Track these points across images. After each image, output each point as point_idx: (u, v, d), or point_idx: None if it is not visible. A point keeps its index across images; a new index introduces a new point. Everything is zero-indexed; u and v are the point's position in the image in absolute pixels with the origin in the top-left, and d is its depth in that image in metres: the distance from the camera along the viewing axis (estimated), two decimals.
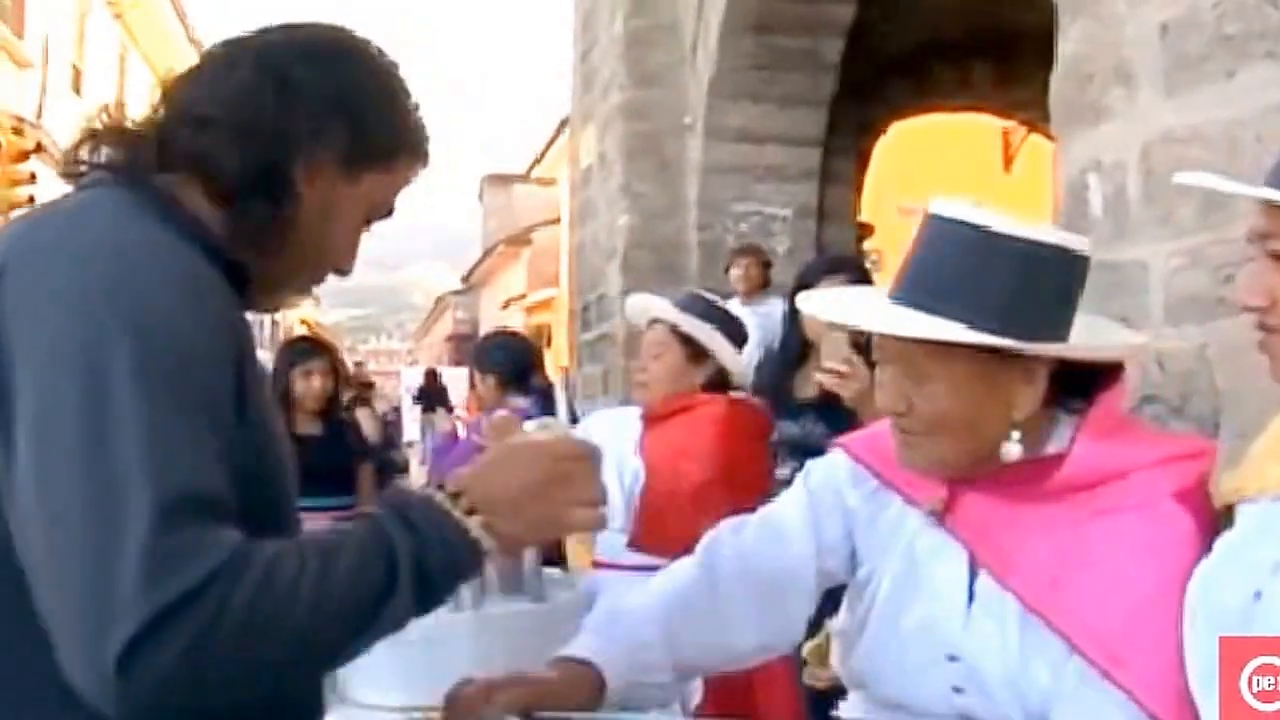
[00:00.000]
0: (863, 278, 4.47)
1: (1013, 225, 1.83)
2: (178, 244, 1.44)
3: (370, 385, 19.95)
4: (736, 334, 4.21)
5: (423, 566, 1.39)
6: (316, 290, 1.83)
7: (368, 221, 1.70)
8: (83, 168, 1.58)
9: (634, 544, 3.76)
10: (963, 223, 1.84)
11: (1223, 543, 1.67)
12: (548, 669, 1.94)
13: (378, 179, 1.66)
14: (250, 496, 1.42)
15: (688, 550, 2.24)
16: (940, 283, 1.83)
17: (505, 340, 6.40)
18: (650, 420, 4.05)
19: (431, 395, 20.29)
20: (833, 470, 2.19)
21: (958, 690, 1.88)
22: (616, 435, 4.11)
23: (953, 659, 1.89)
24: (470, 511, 1.45)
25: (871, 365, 2.14)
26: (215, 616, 1.23)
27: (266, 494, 1.51)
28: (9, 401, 1.30)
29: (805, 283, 4.41)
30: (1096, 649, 1.73)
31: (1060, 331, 1.86)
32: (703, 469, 3.79)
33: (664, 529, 3.67)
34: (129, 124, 1.60)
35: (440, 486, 1.47)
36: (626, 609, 2.14)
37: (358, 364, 24.61)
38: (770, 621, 2.14)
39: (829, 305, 2.13)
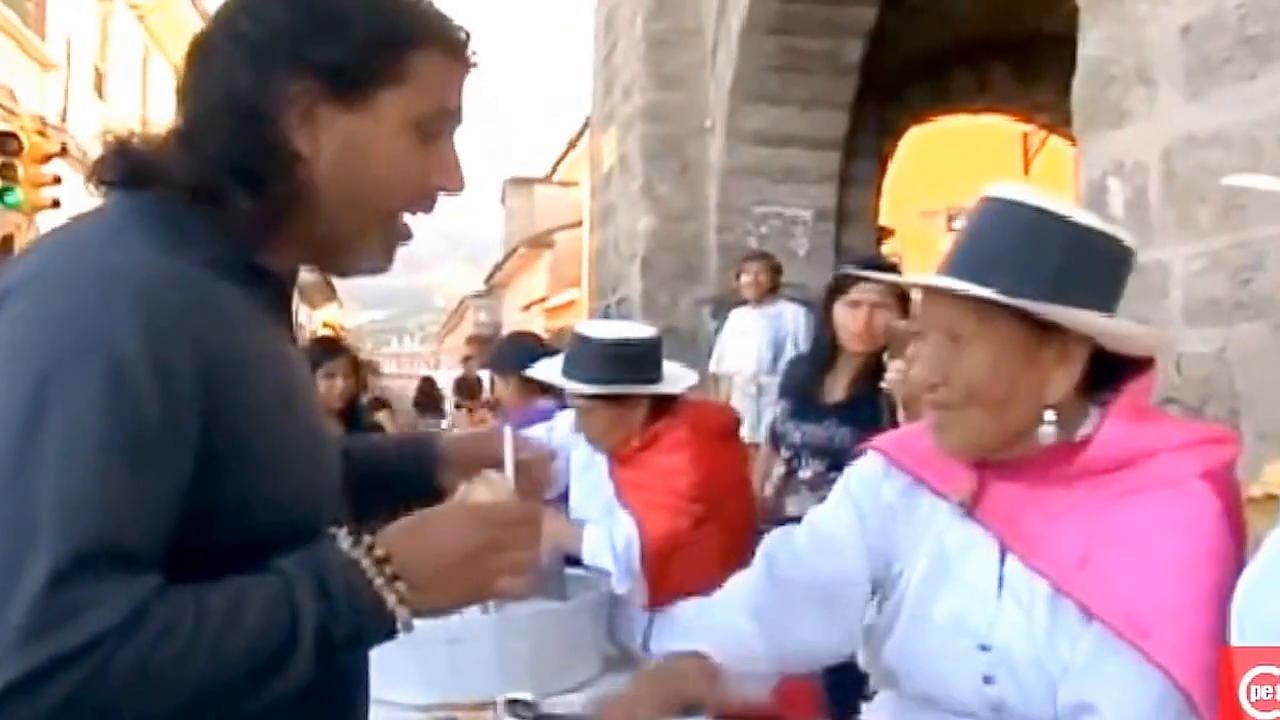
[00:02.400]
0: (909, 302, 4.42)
1: (1069, 209, 1.88)
2: (161, 262, 1.36)
3: (480, 386, 19.66)
4: (645, 357, 3.90)
5: (327, 635, 1.34)
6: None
7: (428, 138, 1.54)
8: (105, 180, 1.52)
9: (650, 607, 3.66)
10: (1019, 203, 1.88)
11: (1273, 544, 1.66)
12: (660, 670, 2.07)
13: (393, 95, 1.50)
14: (251, 521, 1.40)
15: (698, 590, 2.30)
16: (991, 257, 1.87)
17: (524, 342, 6.36)
18: (617, 460, 3.86)
19: (426, 402, 20.43)
20: (867, 471, 2.21)
21: (988, 680, 1.89)
22: (591, 483, 3.99)
23: (984, 648, 1.90)
24: (394, 578, 1.39)
25: None
26: (92, 678, 1.19)
27: (280, 514, 1.44)
28: None
29: (840, 286, 4.41)
30: (1124, 623, 1.75)
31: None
32: (690, 510, 3.67)
33: (672, 584, 3.57)
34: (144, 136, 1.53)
35: (370, 548, 1.39)
36: (710, 609, 2.22)
37: (467, 359, 23.49)
38: (835, 625, 2.17)
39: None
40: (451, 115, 1.57)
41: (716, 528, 3.64)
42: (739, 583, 2.24)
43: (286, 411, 1.50)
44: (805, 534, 2.24)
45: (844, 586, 2.15)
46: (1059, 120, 9.76)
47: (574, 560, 3.77)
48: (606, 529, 3.67)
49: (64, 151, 14.80)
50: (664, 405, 3.86)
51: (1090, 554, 1.82)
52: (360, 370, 5.77)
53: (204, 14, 22.13)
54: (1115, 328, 1.90)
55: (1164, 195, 3.43)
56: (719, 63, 10.60)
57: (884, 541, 2.15)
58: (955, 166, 16.32)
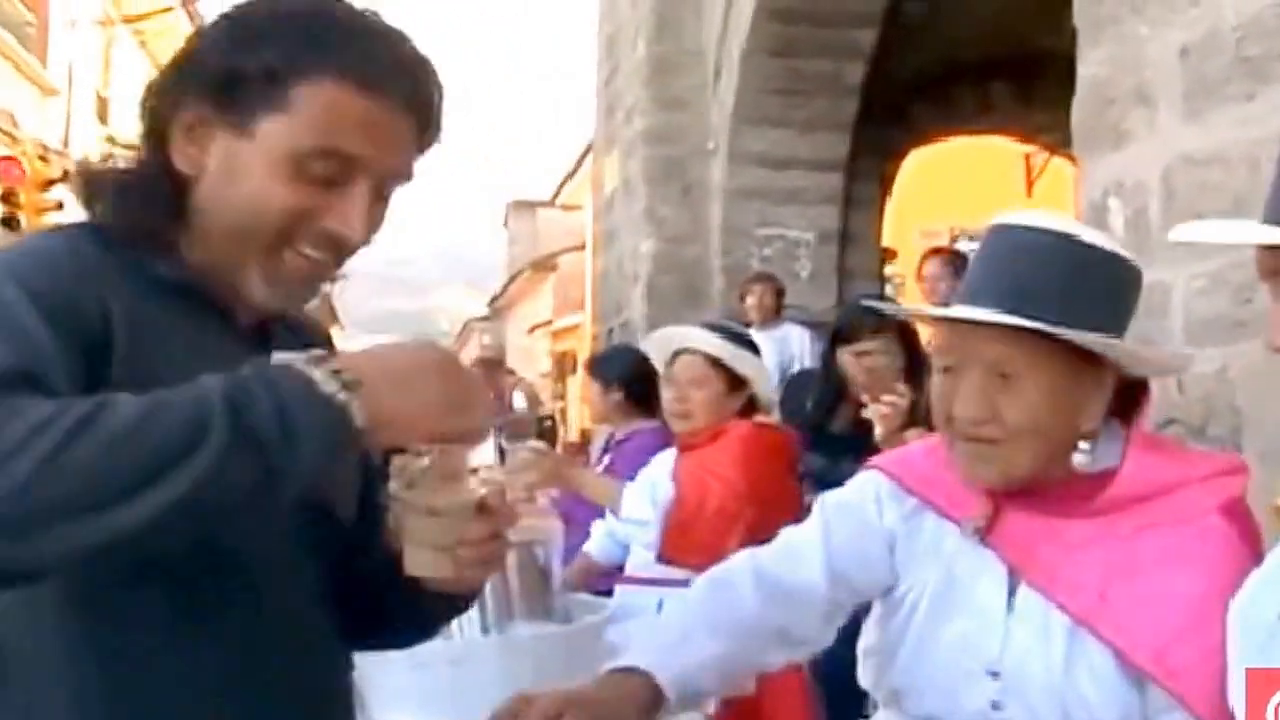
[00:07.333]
0: (909, 335, 4.44)
1: (1098, 237, 1.90)
2: (63, 243, 1.44)
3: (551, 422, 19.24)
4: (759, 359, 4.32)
5: (241, 411, 1.20)
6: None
7: (312, 176, 1.46)
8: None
9: (661, 558, 3.79)
10: (1043, 230, 1.88)
11: (1270, 557, 1.66)
12: (598, 685, 1.88)
13: (275, 122, 1.44)
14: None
15: (713, 563, 2.23)
16: (1027, 288, 1.85)
17: (627, 353, 5.75)
18: (685, 447, 4.11)
19: None
20: (864, 492, 2.16)
21: (996, 706, 1.89)
22: (656, 465, 4.16)
23: (993, 675, 1.90)
24: (323, 361, 1.26)
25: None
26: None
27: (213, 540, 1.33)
28: None
29: (845, 334, 4.46)
30: (1149, 659, 1.76)
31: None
32: (729, 485, 3.82)
33: (688, 542, 3.71)
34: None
35: (306, 348, 1.31)
36: (661, 618, 2.19)
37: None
38: (787, 633, 2.10)
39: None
40: (340, 158, 1.47)
41: (751, 510, 3.74)
42: (692, 590, 2.16)
43: None
44: (772, 545, 2.18)
45: (795, 597, 2.09)
46: (1061, 141, 9.77)
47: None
48: (649, 487, 3.80)
49: (65, 177, 14.84)
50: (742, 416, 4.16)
51: (1110, 587, 1.83)
52: None
53: None
54: (1154, 355, 1.93)
55: (1164, 215, 3.44)
56: (721, 85, 10.63)
57: (862, 568, 2.10)
58: (958, 187, 16.36)
